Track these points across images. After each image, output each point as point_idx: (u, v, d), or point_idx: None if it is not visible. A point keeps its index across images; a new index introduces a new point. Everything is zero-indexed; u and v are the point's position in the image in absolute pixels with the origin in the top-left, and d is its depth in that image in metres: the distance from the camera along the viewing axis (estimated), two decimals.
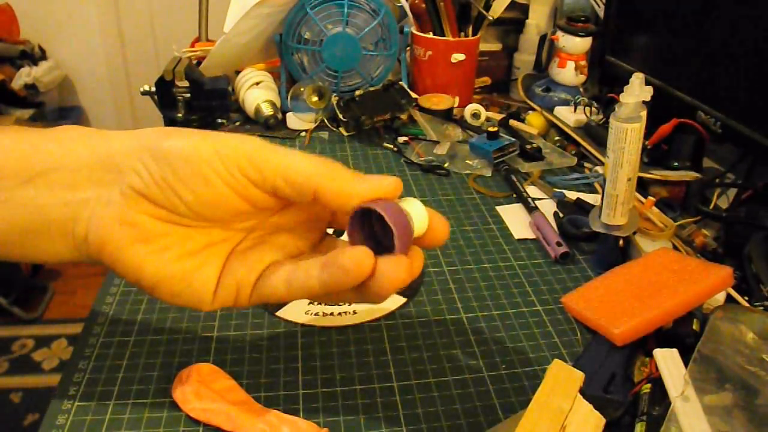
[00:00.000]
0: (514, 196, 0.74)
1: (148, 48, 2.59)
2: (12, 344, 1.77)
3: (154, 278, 0.34)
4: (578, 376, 0.41)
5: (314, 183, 0.32)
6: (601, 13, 0.98)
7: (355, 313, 0.54)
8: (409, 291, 0.57)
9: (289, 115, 0.93)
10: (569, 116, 0.89)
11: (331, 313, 0.54)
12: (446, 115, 0.93)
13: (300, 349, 0.50)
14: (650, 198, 0.67)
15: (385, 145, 0.87)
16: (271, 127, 0.91)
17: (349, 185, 0.32)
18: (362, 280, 0.32)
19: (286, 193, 0.33)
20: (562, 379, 0.41)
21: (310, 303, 0.55)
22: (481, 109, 0.94)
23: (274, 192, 0.33)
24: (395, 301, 0.55)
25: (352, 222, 0.33)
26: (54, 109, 2.35)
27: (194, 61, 1.05)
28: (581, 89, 0.95)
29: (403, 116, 0.91)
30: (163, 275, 0.34)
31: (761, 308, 0.53)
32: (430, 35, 0.96)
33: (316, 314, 0.53)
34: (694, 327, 0.49)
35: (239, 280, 0.35)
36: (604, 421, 0.40)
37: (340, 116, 0.89)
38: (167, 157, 0.32)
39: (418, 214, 0.34)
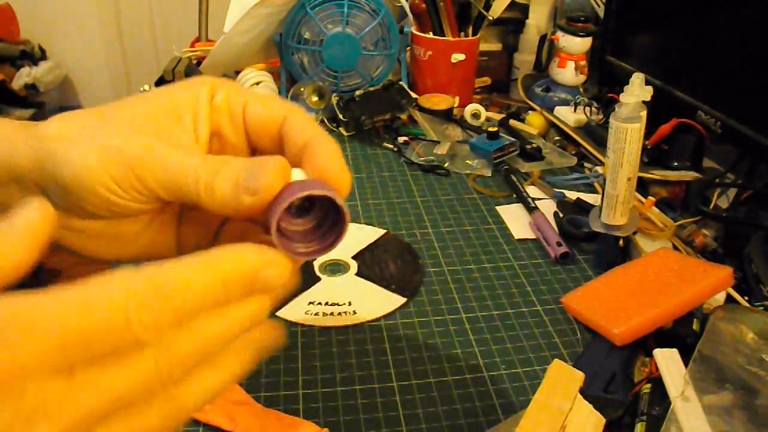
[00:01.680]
0: (514, 196, 0.74)
1: (148, 48, 2.59)
2: None
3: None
4: (578, 376, 0.41)
5: (194, 195, 0.29)
6: (601, 13, 0.98)
7: (355, 313, 0.54)
8: (409, 291, 0.57)
9: None
10: (569, 116, 0.89)
11: (331, 313, 0.54)
12: (446, 115, 0.93)
13: (300, 349, 0.50)
14: (650, 198, 0.67)
15: (385, 145, 0.87)
16: None
17: (231, 201, 0.28)
18: None
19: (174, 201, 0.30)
20: (562, 379, 0.41)
21: (310, 303, 0.55)
22: (481, 109, 0.94)
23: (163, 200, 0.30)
24: (395, 301, 0.55)
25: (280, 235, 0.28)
26: (54, 108, 2.35)
27: (194, 61, 1.05)
28: (581, 89, 0.95)
29: (403, 116, 0.91)
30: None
31: (761, 308, 0.53)
32: (430, 35, 0.96)
33: (316, 314, 0.53)
34: (694, 327, 0.49)
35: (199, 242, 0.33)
36: (604, 421, 0.40)
37: (340, 116, 0.89)
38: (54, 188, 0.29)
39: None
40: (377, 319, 0.53)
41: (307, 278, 0.58)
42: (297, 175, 0.29)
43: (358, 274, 0.59)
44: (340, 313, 0.54)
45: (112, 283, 0.23)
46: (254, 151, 0.34)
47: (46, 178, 0.29)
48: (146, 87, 0.92)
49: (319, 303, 0.55)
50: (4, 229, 0.24)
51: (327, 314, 0.54)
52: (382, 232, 0.66)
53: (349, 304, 0.55)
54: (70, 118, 0.30)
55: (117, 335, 0.22)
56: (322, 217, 0.30)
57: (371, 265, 0.60)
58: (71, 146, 0.29)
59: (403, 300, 0.56)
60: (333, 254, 0.61)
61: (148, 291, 0.23)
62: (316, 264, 0.60)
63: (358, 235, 0.65)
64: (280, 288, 0.28)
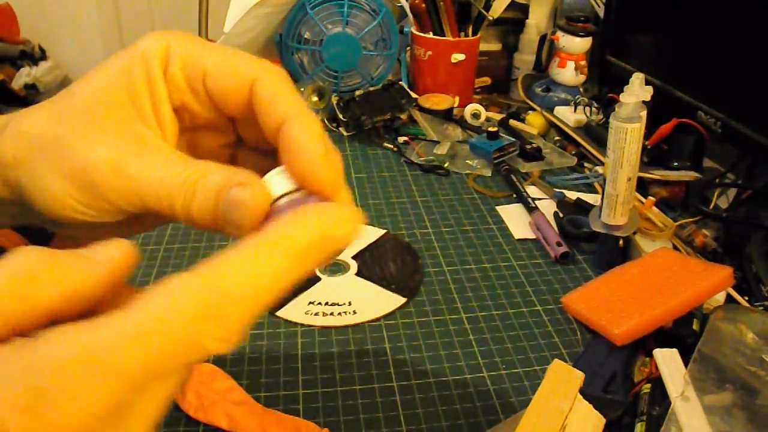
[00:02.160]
0: (514, 196, 0.74)
1: None
2: None
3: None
4: (578, 376, 0.41)
5: (170, 215, 0.26)
6: (601, 13, 0.98)
7: (355, 313, 0.54)
8: (409, 291, 0.57)
9: None
10: (569, 116, 0.89)
11: (331, 313, 0.54)
12: (446, 115, 0.93)
13: (300, 349, 0.50)
14: (650, 198, 0.67)
15: (385, 145, 0.87)
16: None
17: (211, 225, 0.26)
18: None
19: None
20: (562, 379, 0.41)
21: (310, 303, 0.55)
22: (481, 109, 0.93)
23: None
24: (395, 301, 0.55)
25: None
26: None
27: None
28: (581, 89, 0.95)
29: (403, 116, 0.91)
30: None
31: (761, 308, 0.53)
32: (430, 35, 0.96)
33: (316, 314, 0.53)
34: (694, 327, 0.49)
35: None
36: (604, 421, 0.39)
37: (340, 116, 0.89)
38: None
39: (280, 179, 0.26)
40: (377, 319, 0.53)
41: (307, 278, 0.58)
42: (281, 182, 0.26)
43: (358, 274, 0.59)
44: (340, 313, 0.54)
45: (175, 305, 0.20)
46: (231, 119, 0.30)
47: (16, 197, 0.28)
48: None
49: (319, 303, 0.55)
50: (90, 259, 0.23)
51: (327, 314, 0.54)
52: (382, 232, 0.66)
53: (349, 304, 0.55)
54: (24, 128, 0.28)
55: (190, 358, 0.20)
56: None
57: (371, 265, 0.60)
58: (32, 177, 0.27)
59: (403, 300, 0.56)
60: None
61: (214, 303, 0.21)
62: None
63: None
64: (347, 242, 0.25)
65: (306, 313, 0.54)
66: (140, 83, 0.27)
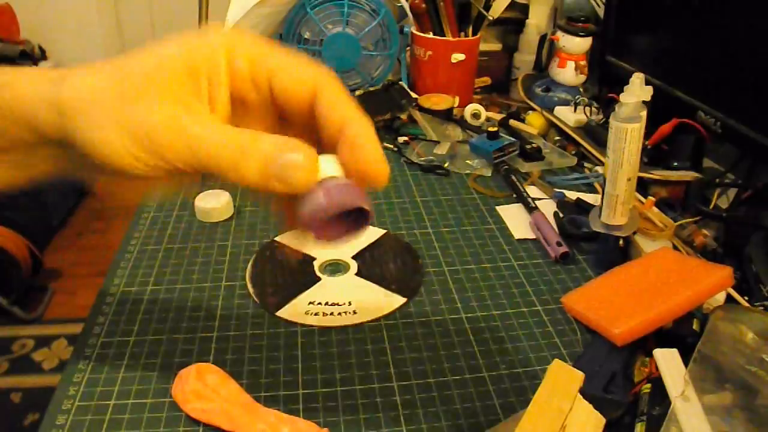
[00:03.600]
0: (514, 196, 0.74)
1: None
2: (12, 344, 1.77)
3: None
4: (578, 376, 0.41)
5: (220, 174, 0.30)
6: (601, 13, 0.98)
7: (355, 313, 0.54)
8: (409, 291, 0.57)
9: None
10: (569, 116, 0.89)
11: (331, 313, 0.54)
12: (446, 115, 0.93)
13: (300, 349, 0.50)
14: (650, 198, 0.67)
15: (385, 145, 0.87)
16: None
17: (260, 185, 0.30)
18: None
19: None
20: (562, 379, 0.41)
21: (310, 303, 0.55)
22: (481, 109, 0.93)
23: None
24: (395, 301, 0.55)
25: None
26: None
27: None
28: (581, 89, 0.95)
29: (403, 116, 0.91)
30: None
31: (761, 308, 0.53)
32: (430, 35, 0.96)
33: (316, 314, 0.53)
34: (694, 327, 0.49)
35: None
36: (604, 421, 0.40)
37: None
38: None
39: (333, 163, 0.31)
40: (377, 319, 0.53)
41: (308, 278, 0.58)
42: (330, 167, 0.30)
43: (358, 274, 0.59)
44: (340, 313, 0.54)
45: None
46: (282, 117, 0.33)
47: (68, 145, 0.30)
48: None
49: (319, 303, 0.55)
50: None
51: (327, 314, 0.54)
52: (382, 232, 0.66)
53: (349, 304, 0.55)
54: (87, 80, 0.30)
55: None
56: (349, 212, 0.30)
57: (371, 265, 0.60)
58: (90, 120, 0.30)
59: (403, 300, 0.56)
60: (333, 254, 0.61)
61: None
62: (316, 264, 0.60)
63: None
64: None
65: (306, 313, 0.54)
66: (202, 66, 0.30)
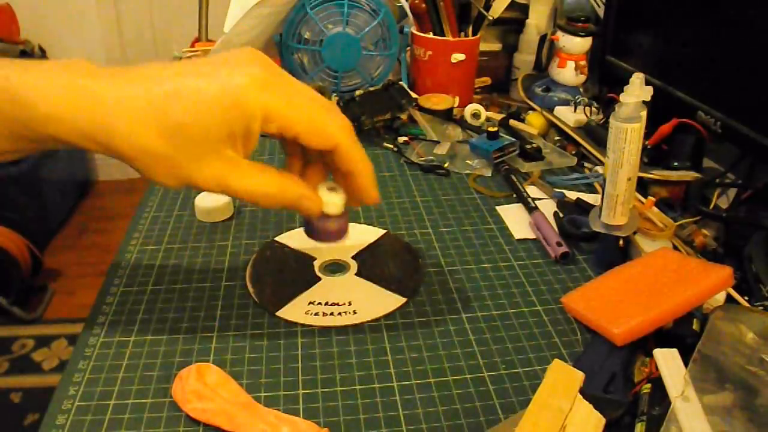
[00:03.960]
0: (514, 196, 0.74)
1: (148, 48, 2.59)
2: (12, 344, 1.77)
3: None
4: (578, 376, 0.41)
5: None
6: (601, 13, 0.98)
7: (355, 313, 0.54)
8: (409, 291, 0.57)
9: None
10: (569, 116, 0.89)
11: (331, 313, 0.54)
12: (446, 115, 0.93)
13: (300, 349, 0.50)
14: (650, 198, 0.67)
15: (385, 145, 0.87)
16: None
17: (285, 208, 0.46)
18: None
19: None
20: (562, 379, 0.41)
21: (310, 303, 0.55)
22: (481, 109, 0.94)
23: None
24: (395, 301, 0.55)
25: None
26: None
27: None
28: (581, 89, 0.95)
29: (403, 116, 0.91)
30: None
31: (761, 308, 0.53)
32: (430, 35, 0.96)
33: (316, 314, 0.53)
34: (694, 327, 0.49)
35: None
36: (604, 421, 0.40)
37: None
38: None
39: (335, 205, 0.47)
40: (377, 319, 0.53)
41: (308, 278, 0.58)
42: (333, 203, 0.46)
43: (358, 274, 0.59)
44: (340, 313, 0.54)
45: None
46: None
47: (101, 144, 0.39)
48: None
49: (319, 303, 0.55)
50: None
51: (327, 314, 0.54)
52: (381, 232, 0.66)
53: (349, 304, 0.55)
54: (139, 148, 0.39)
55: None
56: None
57: (371, 265, 0.60)
58: (147, 169, 0.40)
59: (403, 300, 0.56)
60: (333, 254, 0.61)
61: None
62: (316, 264, 0.60)
63: (358, 236, 0.65)
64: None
65: (306, 313, 0.54)
66: (239, 132, 0.40)
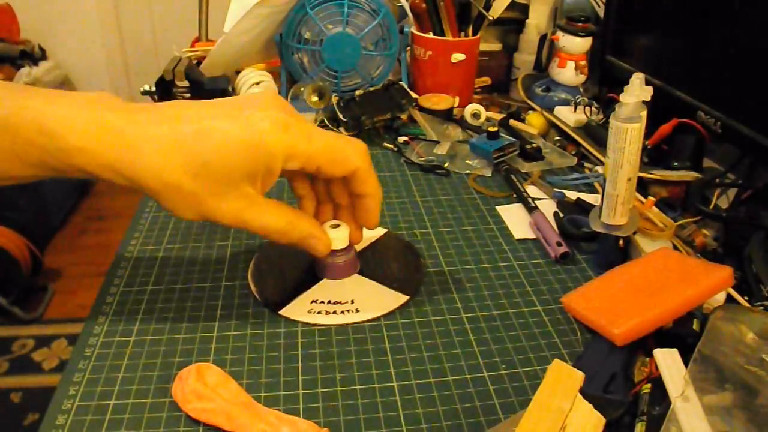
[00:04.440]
0: (514, 196, 0.74)
1: (148, 48, 2.59)
2: (12, 344, 1.77)
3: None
4: (578, 376, 0.41)
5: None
6: (601, 13, 0.98)
7: (357, 311, 0.54)
8: (411, 289, 0.57)
9: None
10: (569, 116, 0.89)
11: (334, 312, 0.54)
12: (446, 115, 0.93)
13: (300, 349, 0.50)
14: (650, 198, 0.67)
15: (385, 145, 0.87)
16: None
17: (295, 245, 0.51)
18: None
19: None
20: (562, 379, 0.41)
21: (312, 302, 0.55)
22: (481, 109, 0.94)
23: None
24: (397, 299, 0.55)
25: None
26: None
27: (194, 61, 1.05)
28: (581, 89, 0.95)
29: (403, 116, 0.91)
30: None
31: (761, 308, 0.53)
32: (430, 35, 0.96)
33: (319, 313, 0.53)
34: (694, 327, 0.49)
35: None
36: (604, 421, 0.40)
37: (340, 116, 0.89)
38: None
39: (341, 239, 0.53)
40: (378, 318, 0.53)
41: (310, 277, 0.58)
42: (338, 238, 0.53)
43: (360, 272, 0.59)
44: (342, 312, 0.54)
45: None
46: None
47: (127, 178, 0.42)
48: (146, 87, 0.92)
49: (322, 302, 0.55)
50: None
51: (330, 313, 0.54)
52: (382, 231, 0.66)
53: (352, 302, 0.55)
54: (164, 183, 0.42)
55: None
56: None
57: (373, 264, 0.60)
58: (169, 202, 0.43)
59: (406, 298, 0.56)
60: None
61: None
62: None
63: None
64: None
65: (309, 312, 0.54)
66: (260, 171, 0.44)
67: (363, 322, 0.53)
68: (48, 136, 0.40)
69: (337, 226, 0.53)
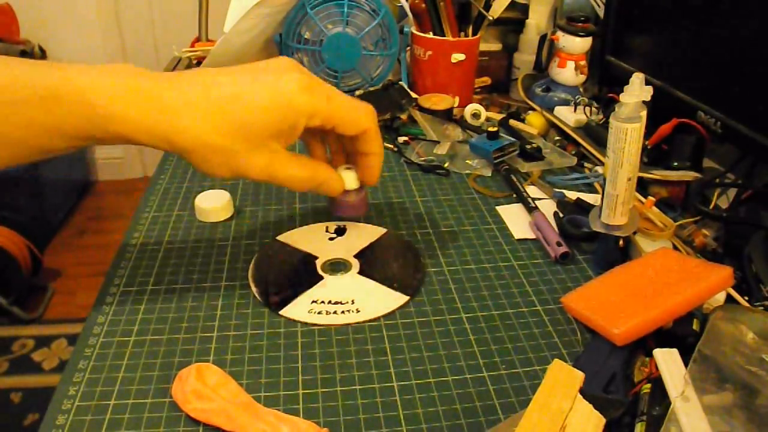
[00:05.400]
0: (514, 196, 0.74)
1: (148, 48, 2.59)
2: (12, 344, 1.78)
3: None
4: (578, 376, 0.41)
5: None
6: (601, 13, 0.98)
7: (358, 311, 0.54)
8: (412, 289, 0.57)
9: None
10: (569, 116, 0.89)
11: (335, 312, 0.54)
12: (446, 115, 0.93)
13: (300, 349, 0.50)
14: (650, 198, 0.67)
15: (385, 145, 0.87)
16: None
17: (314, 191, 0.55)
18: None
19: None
20: (562, 379, 0.41)
21: (313, 302, 0.55)
22: (481, 109, 0.94)
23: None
24: (398, 299, 0.55)
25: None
26: None
27: (194, 61, 1.05)
28: (581, 89, 0.95)
29: (403, 116, 0.91)
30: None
31: (761, 308, 0.53)
32: (430, 35, 0.96)
33: (320, 313, 0.53)
34: (694, 327, 0.49)
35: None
36: (604, 421, 0.40)
37: None
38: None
39: (353, 180, 0.57)
40: (381, 317, 0.53)
41: (310, 277, 0.58)
42: (351, 182, 0.57)
43: (360, 272, 0.59)
44: (343, 312, 0.54)
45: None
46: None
47: (164, 140, 0.45)
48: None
49: (323, 302, 0.55)
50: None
51: (331, 312, 0.54)
52: (383, 231, 0.66)
53: (353, 302, 0.55)
54: (197, 140, 0.45)
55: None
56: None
57: (373, 263, 0.60)
58: (206, 163, 0.47)
59: (406, 298, 0.56)
60: (335, 253, 0.61)
61: None
62: (318, 263, 0.60)
63: (360, 235, 0.65)
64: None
65: (309, 312, 0.54)
66: (286, 128, 0.48)
67: (363, 322, 0.53)
68: (86, 104, 0.42)
69: (350, 168, 0.57)
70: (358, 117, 0.52)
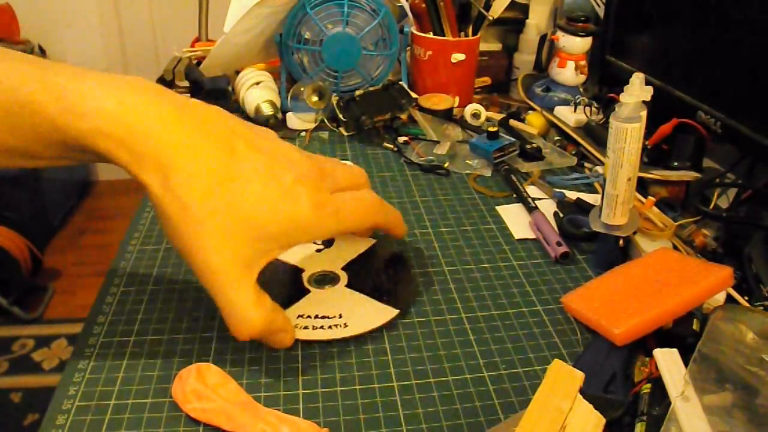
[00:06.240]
0: (514, 196, 0.74)
1: (148, 48, 2.59)
2: (12, 344, 1.77)
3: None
4: (578, 376, 0.41)
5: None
6: (601, 13, 0.98)
7: (345, 326, 0.52)
8: (402, 302, 0.55)
9: (289, 115, 0.93)
10: (569, 116, 0.89)
11: (321, 327, 0.52)
12: (446, 115, 0.93)
13: (300, 349, 0.50)
14: (650, 198, 0.67)
15: (385, 145, 0.87)
16: (272, 127, 0.91)
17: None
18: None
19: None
20: (562, 379, 0.41)
21: (299, 316, 0.52)
22: (481, 109, 0.94)
23: None
24: (388, 313, 0.53)
25: None
26: None
27: (194, 61, 1.05)
28: (581, 89, 0.95)
29: (403, 116, 0.91)
30: None
31: (761, 308, 0.53)
32: (430, 35, 0.96)
33: (305, 328, 0.51)
34: (694, 327, 0.49)
35: None
36: (604, 421, 0.40)
37: (340, 116, 0.89)
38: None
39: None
40: (368, 333, 0.52)
41: (296, 291, 0.56)
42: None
43: (348, 285, 0.57)
44: (330, 327, 0.52)
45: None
46: None
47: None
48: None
49: (309, 316, 0.52)
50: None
51: (317, 327, 0.51)
52: (372, 242, 0.63)
53: (340, 316, 0.53)
54: (198, 189, 0.44)
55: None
56: None
57: (362, 276, 0.58)
58: (225, 284, 0.46)
59: (396, 312, 0.53)
60: (322, 265, 0.59)
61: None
62: (305, 276, 0.58)
63: (348, 246, 0.62)
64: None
65: (296, 327, 0.51)
66: (286, 246, 0.48)
67: (350, 337, 0.51)
68: (72, 114, 0.38)
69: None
70: (366, 222, 0.53)
